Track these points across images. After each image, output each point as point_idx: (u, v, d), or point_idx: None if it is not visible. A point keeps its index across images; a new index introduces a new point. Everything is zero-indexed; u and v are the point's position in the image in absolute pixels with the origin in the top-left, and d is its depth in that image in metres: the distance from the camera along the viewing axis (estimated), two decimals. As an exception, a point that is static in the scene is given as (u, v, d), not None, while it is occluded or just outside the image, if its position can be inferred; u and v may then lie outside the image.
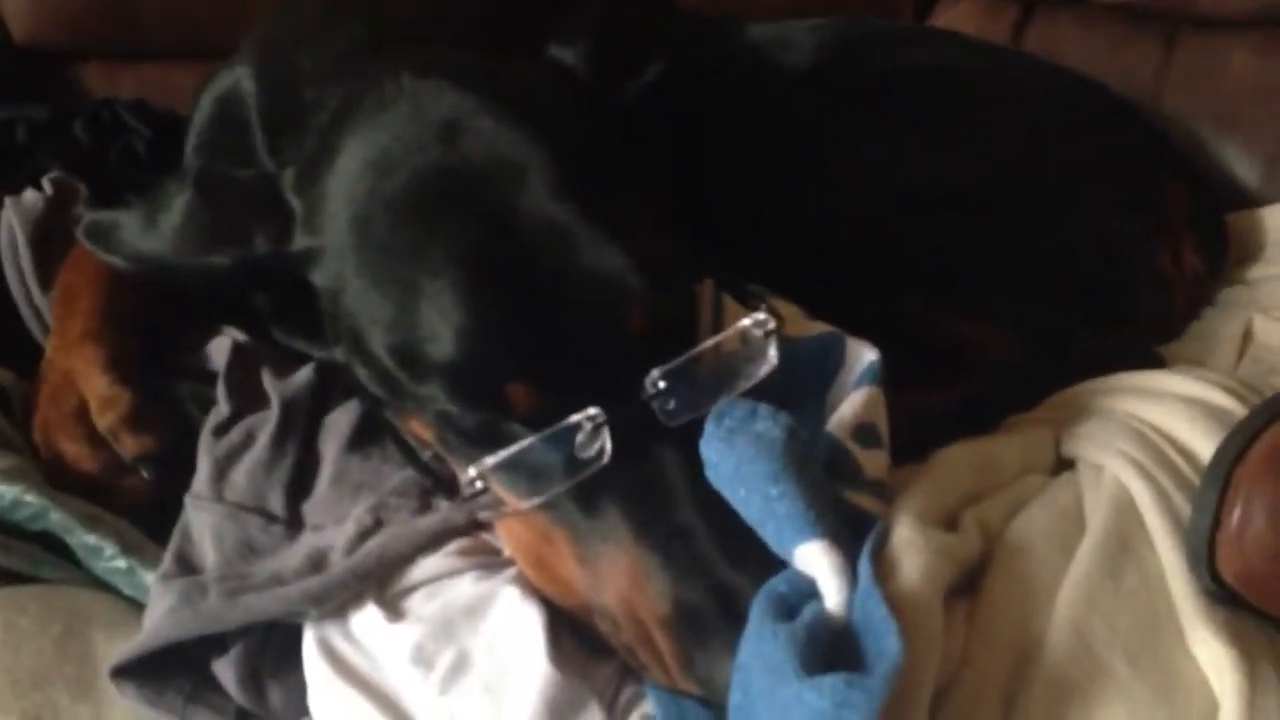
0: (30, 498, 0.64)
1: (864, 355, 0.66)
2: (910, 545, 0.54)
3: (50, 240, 0.80)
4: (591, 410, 0.56)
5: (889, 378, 0.66)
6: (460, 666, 0.56)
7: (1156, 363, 0.83)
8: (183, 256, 0.66)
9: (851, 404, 0.63)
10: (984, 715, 0.52)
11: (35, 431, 0.72)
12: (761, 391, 0.60)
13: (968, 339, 0.87)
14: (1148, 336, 0.90)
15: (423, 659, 0.57)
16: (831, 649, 0.49)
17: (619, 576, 0.57)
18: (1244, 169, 1.06)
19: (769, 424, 0.56)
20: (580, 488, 0.58)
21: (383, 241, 0.60)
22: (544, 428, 0.56)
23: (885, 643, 0.47)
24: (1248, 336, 0.90)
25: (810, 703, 0.45)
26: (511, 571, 0.61)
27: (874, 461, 0.61)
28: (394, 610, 0.59)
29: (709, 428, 0.56)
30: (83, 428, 0.70)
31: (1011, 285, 0.88)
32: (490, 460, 0.57)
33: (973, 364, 0.86)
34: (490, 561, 0.62)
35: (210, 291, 0.69)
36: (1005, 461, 0.68)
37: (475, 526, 0.63)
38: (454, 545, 0.62)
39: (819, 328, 0.69)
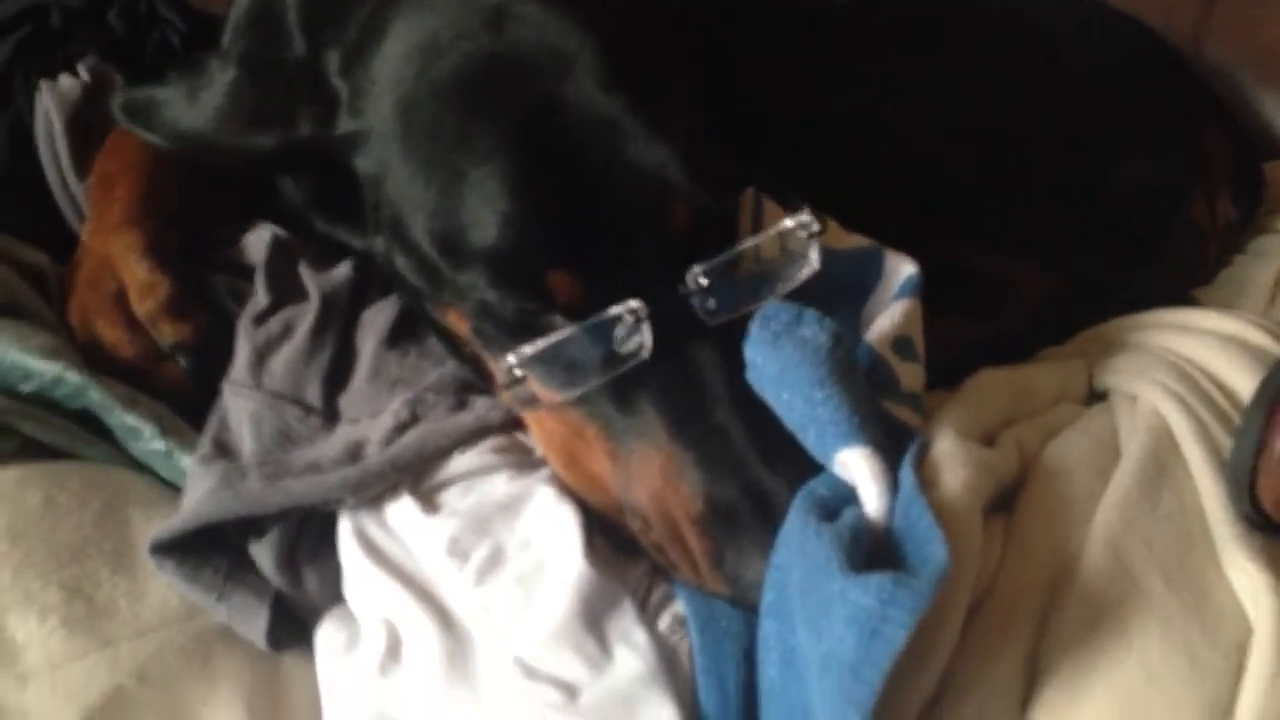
0: (71, 375, 0.63)
1: (903, 268, 0.66)
2: (952, 457, 0.55)
3: (87, 127, 0.79)
4: (633, 303, 0.56)
5: (927, 307, 0.66)
6: (495, 560, 0.57)
7: (1190, 305, 0.83)
8: (224, 135, 0.65)
9: (890, 315, 0.63)
10: (1018, 628, 0.52)
11: (72, 315, 0.71)
12: (800, 298, 0.60)
13: (1004, 274, 0.87)
14: (1180, 281, 0.90)
15: (458, 551, 0.57)
16: (871, 553, 0.49)
17: (652, 473, 0.57)
18: (1283, 119, 1.06)
19: (815, 329, 0.56)
20: (616, 383, 0.57)
21: (428, 127, 0.60)
22: (583, 318, 0.56)
23: (929, 549, 0.47)
24: (1278, 284, 0.90)
25: (855, 599, 0.45)
26: (546, 471, 0.61)
27: (911, 374, 0.61)
28: (429, 503, 0.59)
29: (754, 329, 0.56)
30: (121, 313, 0.69)
31: (1049, 224, 0.88)
32: (529, 349, 0.57)
33: (1008, 299, 0.86)
34: (524, 461, 0.62)
35: (251, 175, 0.69)
36: (1041, 389, 0.68)
37: (511, 425, 0.63)
38: (489, 443, 0.62)
39: (858, 240, 0.69)
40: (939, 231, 0.84)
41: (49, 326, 0.69)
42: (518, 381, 0.57)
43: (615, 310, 0.55)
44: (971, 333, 0.79)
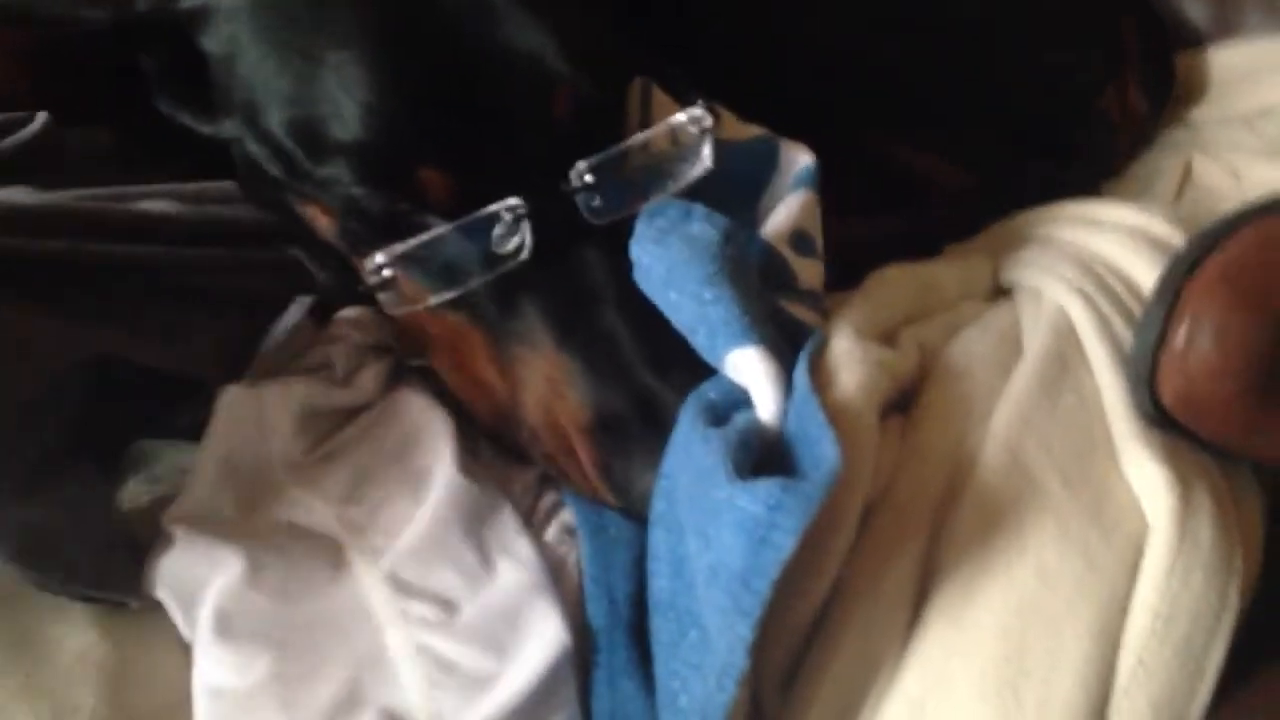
0: None
1: (799, 159, 0.63)
2: (848, 356, 0.52)
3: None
4: (511, 200, 0.52)
5: (832, 203, 0.63)
6: (360, 477, 0.54)
7: (1097, 198, 0.81)
8: (46, 5, 0.60)
9: (787, 209, 0.60)
10: (912, 531, 0.51)
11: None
12: (691, 193, 0.57)
13: (917, 167, 0.85)
14: (1089, 174, 0.88)
15: (309, 480, 0.54)
16: (763, 458, 0.47)
17: (538, 381, 0.54)
18: (1194, 7, 1.03)
19: (704, 225, 0.53)
20: (498, 286, 0.54)
21: (281, 2, 0.55)
22: (459, 219, 0.53)
23: (821, 450, 0.45)
24: (1186, 177, 0.89)
25: (743, 506, 0.43)
26: (414, 381, 0.59)
27: (809, 270, 0.59)
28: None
29: (639, 227, 0.53)
30: None
31: (966, 116, 0.85)
32: (399, 247, 0.53)
33: (914, 193, 0.84)
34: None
35: (90, 58, 0.63)
36: (944, 285, 0.66)
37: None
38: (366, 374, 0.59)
39: (753, 130, 0.65)
40: (854, 122, 0.82)
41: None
42: (387, 282, 0.54)
43: (492, 208, 0.52)
44: (881, 228, 0.77)
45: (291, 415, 0.56)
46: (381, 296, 0.55)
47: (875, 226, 0.77)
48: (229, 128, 0.59)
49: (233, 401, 0.56)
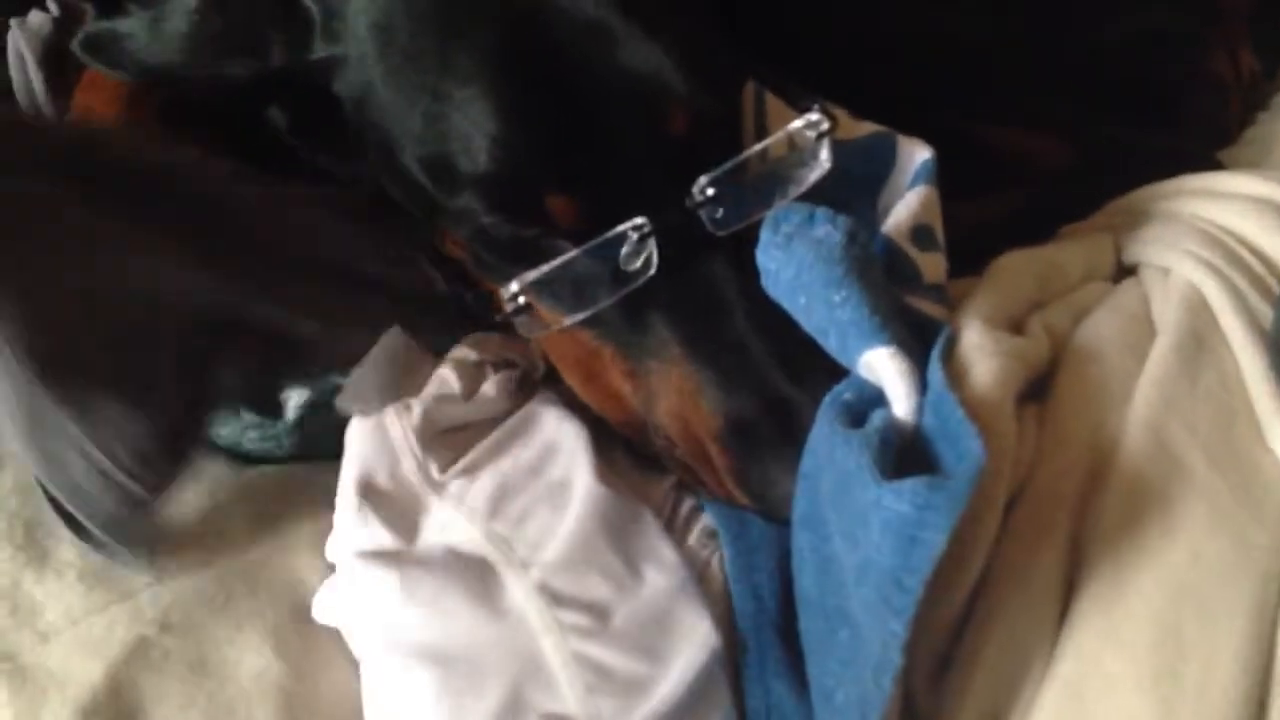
0: None
1: (917, 154, 0.63)
2: (980, 349, 0.52)
3: (61, 63, 0.76)
4: (637, 220, 0.53)
5: (945, 189, 0.63)
6: (503, 491, 0.55)
7: (1214, 167, 0.80)
8: (192, 67, 0.62)
9: (907, 205, 0.60)
10: (1058, 519, 0.50)
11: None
12: (811, 196, 0.57)
13: (1016, 147, 0.83)
14: (1203, 142, 0.86)
15: (461, 492, 0.55)
16: (902, 456, 0.48)
17: (670, 391, 0.55)
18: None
19: (828, 228, 0.53)
20: (628, 302, 0.55)
21: (406, 47, 0.57)
22: (586, 239, 0.54)
23: (964, 446, 0.45)
24: (1308, 140, 0.87)
25: (890, 506, 0.43)
26: (546, 394, 0.59)
27: (932, 265, 0.59)
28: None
29: (765, 234, 0.54)
30: None
31: (1059, 88, 0.83)
32: (531, 274, 0.54)
33: (1022, 174, 0.83)
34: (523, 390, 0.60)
35: (231, 107, 0.66)
36: (1067, 268, 0.66)
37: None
38: (490, 385, 0.59)
39: (868, 128, 0.66)
40: (944, 104, 0.81)
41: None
42: (523, 309, 0.55)
43: (619, 229, 0.53)
44: (987, 213, 0.76)
45: (416, 433, 0.57)
46: (518, 321, 0.56)
47: (987, 211, 0.76)
48: (365, 168, 0.61)
49: (357, 429, 0.58)
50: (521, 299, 0.55)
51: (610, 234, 0.53)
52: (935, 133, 0.66)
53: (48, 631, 0.52)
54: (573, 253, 0.54)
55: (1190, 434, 0.52)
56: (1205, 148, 0.85)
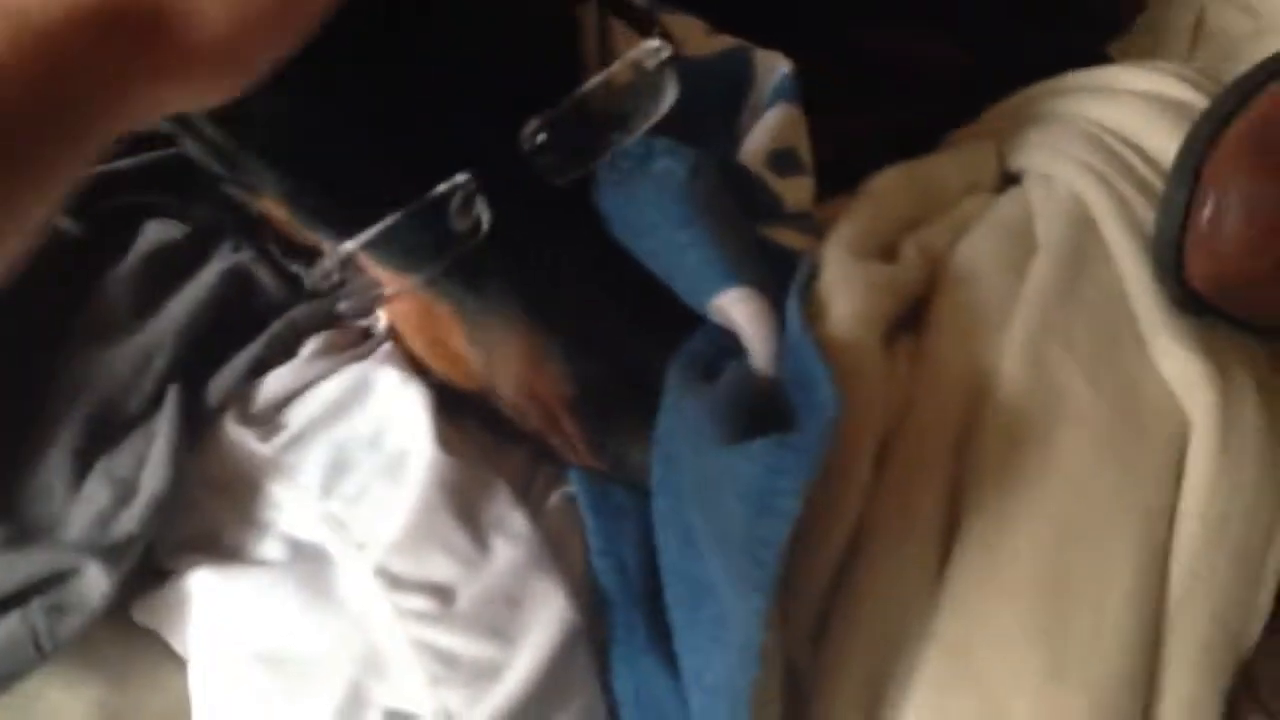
0: None
1: (776, 68, 0.57)
2: (843, 281, 0.48)
3: None
4: (460, 177, 0.47)
5: (817, 101, 0.58)
6: (339, 466, 0.50)
7: (1103, 61, 0.76)
8: None
9: (764, 127, 0.55)
10: (935, 458, 0.47)
11: None
12: (661, 128, 0.51)
13: (903, 52, 0.78)
14: (1091, 34, 0.82)
15: (290, 467, 0.50)
16: (762, 409, 0.44)
17: (515, 358, 0.50)
18: None
19: (669, 161, 0.48)
20: (462, 263, 0.50)
21: None
22: (414, 190, 0.48)
23: (820, 394, 0.41)
24: (1200, 25, 0.83)
25: (741, 471, 0.40)
26: (385, 350, 0.54)
27: (796, 190, 0.54)
28: (266, 428, 0.52)
29: (601, 175, 0.49)
30: None
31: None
32: (351, 244, 0.49)
33: (907, 81, 0.78)
34: (358, 351, 0.55)
35: None
36: (946, 181, 0.61)
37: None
38: (309, 348, 0.54)
39: (721, 42, 0.60)
40: (827, 11, 0.76)
41: None
42: (344, 279, 0.50)
43: (438, 190, 0.47)
44: (863, 126, 0.71)
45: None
46: (345, 290, 0.51)
47: (862, 125, 0.71)
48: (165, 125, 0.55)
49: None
50: (342, 265, 0.50)
51: (429, 197, 0.47)
52: (809, 39, 0.61)
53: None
54: (392, 217, 0.48)
55: (1070, 356, 0.48)
56: (1095, 40, 0.81)
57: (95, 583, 0.45)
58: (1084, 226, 0.54)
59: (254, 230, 0.55)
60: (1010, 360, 0.48)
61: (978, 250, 0.55)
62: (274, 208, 0.53)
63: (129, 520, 0.47)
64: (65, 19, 0.33)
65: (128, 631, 0.49)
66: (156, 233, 0.54)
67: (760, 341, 0.45)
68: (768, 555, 0.38)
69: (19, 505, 0.48)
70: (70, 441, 0.49)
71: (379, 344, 0.55)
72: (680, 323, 0.48)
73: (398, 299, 0.52)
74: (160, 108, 0.37)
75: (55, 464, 0.48)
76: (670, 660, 0.46)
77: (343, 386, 0.52)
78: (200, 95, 0.37)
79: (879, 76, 0.76)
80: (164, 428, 0.49)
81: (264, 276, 0.54)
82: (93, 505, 0.47)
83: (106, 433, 0.49)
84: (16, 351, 0.50)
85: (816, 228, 0.54)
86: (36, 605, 0.45)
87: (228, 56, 0.37)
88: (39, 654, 0.45)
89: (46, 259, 0.48)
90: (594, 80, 0.50)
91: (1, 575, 0.46)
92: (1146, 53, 0.80)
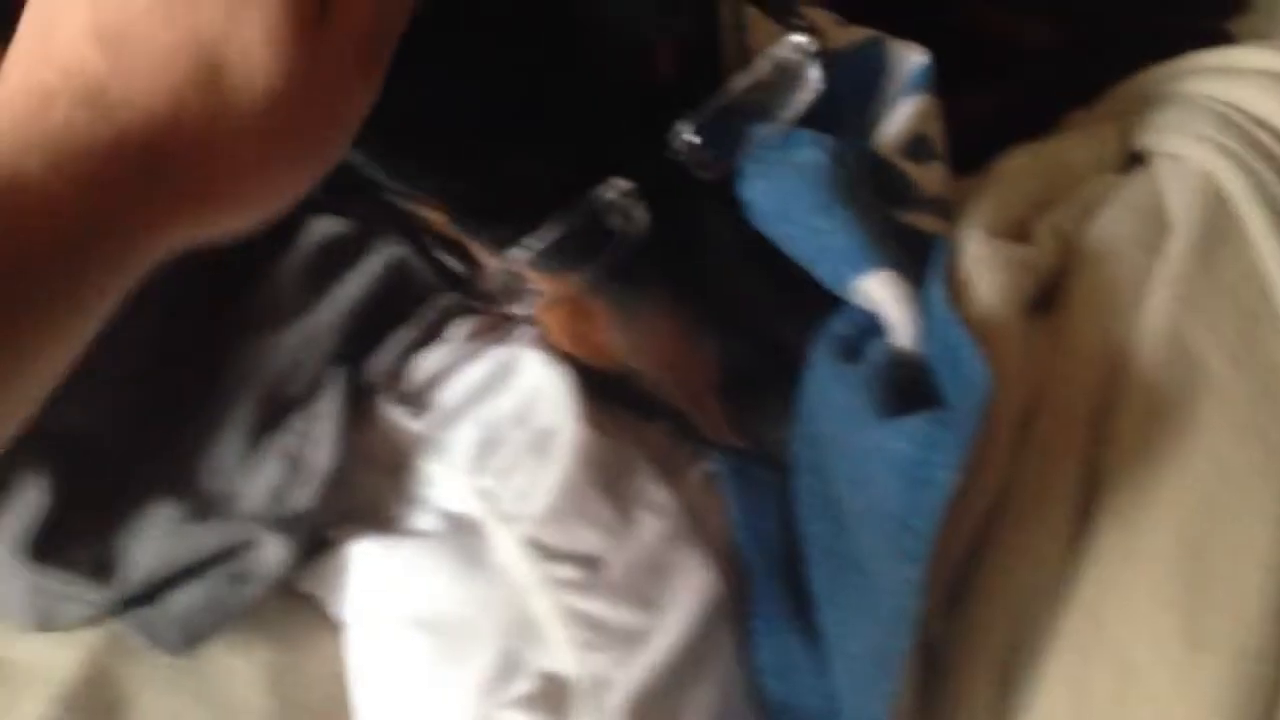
0: None
1: (910, 59, 0.58)
2: (982, 262, 0.49)
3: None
4: (621, 184, 0.49)
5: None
6: (488, 443, 0.52)
7: (1225, 40, 0.75)
8: None
9: (900, 116, 0.56)
10: (1074, 433, 0.48)
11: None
12: (801, 118, 0.53)
13: (1006, 32, 0.79)
14: (1212, 12, 0.82)
15: (442, 445, 0.53)
16: (906, 387, 0.45)
17: (662, 341, 0.52)
18: None
19: (810, 150, 0.50)
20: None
21: None
22: (570, 192, 0.50)
23: (969, 372, 0.42)
24: (1323, 1, 0.82)
25: (893, 449, 0.41)
26: (529, 334, 0.56)
27: (930, 176, 0.55)
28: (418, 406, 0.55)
29: (745, 166, 0.50)
30: None
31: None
32: (518, 254, 0.51)
33: (1009, 61, 0.78)
34: (502, 334, 0.57)
35: None
36: (1072, 163, 0.62)
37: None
38: (458, 330, 0.56)
39: (857, 34, 0.61)
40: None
41: None
42: (512, 282, 0.52)
43: (604, 194, 0.49)
44: (982, 108, 0.72)
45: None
46: (510, 294, 0.53)
47: (981, 107, 0.72)
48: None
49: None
50: (508, 275, 0.52)
51: (594, 199, 0.50)
52: (916, 22, 0.62)
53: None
54: (557, 222, 0.50)
55: (1212, 335, 0.49)
56: (1215, 18, 0.80)
57: (273, 553, 0.48)
58: (1218, 206, 0.54)
59: (409, 227, 0.57)
60: (1149, 338, 0.49)
61: (1110, 230, 0.55)
62: (432, 213, 0.56)
63: (301, 494, 0.49)
64: (110, 150, 0.34)
65: (289, 598, 0.52)
66: (321, 228, 0.56)
67: (903, 322, 0.46)
68: (923, 526, 0.40)
69: (197, 481, 0.51)
70: (243, 421, 0.52)
71: (521, 329, 0.57)
72: (821, 306, 0.49)
73: (549, 295, 0.55)
74: (193, 238, 0.38)
75: (229, 442, 0.51)
76: (810, 631, 0.47)
77: (489, 367, 0.55)
78: (233, 224, 0.39)
79: (986, 60, 0.77)
80: (328, 407, 0.52)
81: (419, 268, 0.56)
82: (266, 480, 0.50)
83: (276, 412, 0.52)
84: (194, 338, 0.53)
85: (951, 213, 0.55)
86: (218, 574, 0.48)
87: (257, 193, 0.39)
88: (222, 620, 0.48)
89: (225, 252, 0.52)
90: (743, 78, 0.52)
91: (185, 546, 0.49)
92: (1263, 35, 0.79)
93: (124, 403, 0.52)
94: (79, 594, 0.48)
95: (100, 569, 0.49)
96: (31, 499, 0.50)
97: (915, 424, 0.40)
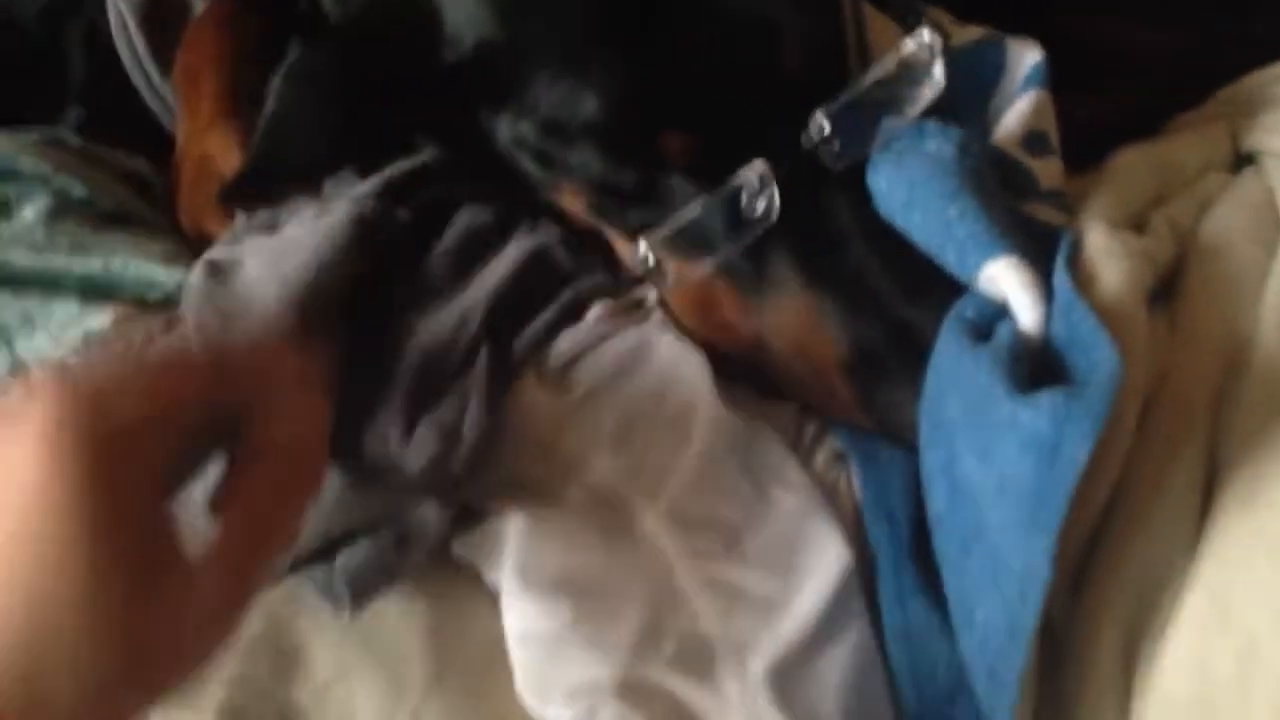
0: None
1: (1027, 57, 0.61)
2: (1107, 251, 0.51)
3: (162, 21, 0.76)
4: (758, 165, 0.53)
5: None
6: (627, 422, 0.55)
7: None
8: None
9: (1019, 111, 0.59)
10: (1195, 418, 0.50)
11: (181, 217, 0.70)
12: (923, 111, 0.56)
13: (1114, 38, 0.80)
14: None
15: (585, 424, 0.56)
16: (1034, 368, 0.47)
17: (790, 323, 0.55)
18: None
19: (939, 141, 0.52)
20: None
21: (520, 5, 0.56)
22: (703, 177, 0.54)
23: (1098, 354, 0.44)
24: None
25: (1027, 423, 0.43)
26: (658, 318, 0.59)
27: (1048, 170, 0.58)
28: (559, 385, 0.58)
29: (875, 155, 0.53)
30: (230, 211, 0.68)
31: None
32: (658, 233, 0.54)
33: (1119, 67, 0.80)
34: (635, 317, 0.60)
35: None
36: (1184, 161, 0.64)
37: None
38: (595, 311, 0.59)
39: (974, 32, 0.64)
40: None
41: (162, 232, 0.69)
42: (654, 267, 0.55)
43: (740, 178, 0.52)
44: (1098, 110, 0.74)
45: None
46: (648, 279, 0.57)
47: (1098, 108, 0.74)
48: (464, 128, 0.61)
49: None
50: (651, 259, 0.55)
51: (731, 184, 0.53)
52: (1032, 27, 0.64)
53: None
54: (697, 204, 0.54)
55: (1330, 327, 0.50)
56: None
57: (432, 518, 0.51)
58: (1330, 204, 0.56)
59: (548, 216, 0.61)
60: (1267, 327, 0.51)
61: (1225, 225, 0.57)
62: (572, 200, 0.59)
63: (457, 463, 0.53)
64: None
65: (448, 566, 0.55)
66: (467, 217, 0.60)
67: (1029, 308, 0.48)
68: (1057, 498, 0.42)
69: (362, 450, 0.54)
70: (401, 395, 0.55)
71: (651, 313, 0.60)
72: (946, 294, 0.51)
73: (681, 278, 0.58)
74: None
75: (390, 414, 0.55)
76: (937, 602, 0.50)
77: (625, 347, 0.58)
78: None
79: (1098, 65, 0.78)
80: (478, 382, 0.55)
81: (558, 255, 0.60)
82: (424, 450, 0.53)
83: (431, 386, 0.55)
84: (360, 320, 0.57)
85: (1070, 206, 0.57)
86: (383, 537, 0.52)
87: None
88: (388, 579, 0.52)
89: (381, 237, 0.56)
90: (874, 73, 0.55)
91: (352, 510, 0.52)
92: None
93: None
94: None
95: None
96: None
97: (1050, 399, 0.42)
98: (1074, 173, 0.62)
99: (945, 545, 0.49)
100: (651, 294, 0.61)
